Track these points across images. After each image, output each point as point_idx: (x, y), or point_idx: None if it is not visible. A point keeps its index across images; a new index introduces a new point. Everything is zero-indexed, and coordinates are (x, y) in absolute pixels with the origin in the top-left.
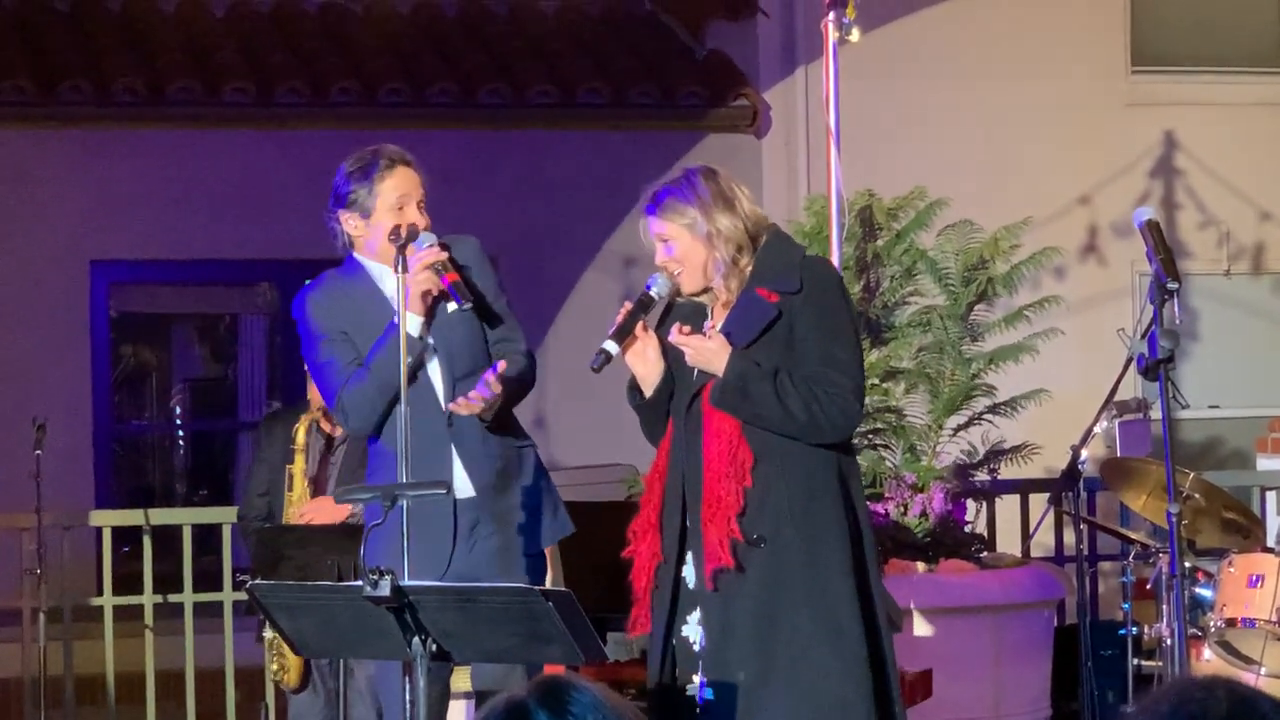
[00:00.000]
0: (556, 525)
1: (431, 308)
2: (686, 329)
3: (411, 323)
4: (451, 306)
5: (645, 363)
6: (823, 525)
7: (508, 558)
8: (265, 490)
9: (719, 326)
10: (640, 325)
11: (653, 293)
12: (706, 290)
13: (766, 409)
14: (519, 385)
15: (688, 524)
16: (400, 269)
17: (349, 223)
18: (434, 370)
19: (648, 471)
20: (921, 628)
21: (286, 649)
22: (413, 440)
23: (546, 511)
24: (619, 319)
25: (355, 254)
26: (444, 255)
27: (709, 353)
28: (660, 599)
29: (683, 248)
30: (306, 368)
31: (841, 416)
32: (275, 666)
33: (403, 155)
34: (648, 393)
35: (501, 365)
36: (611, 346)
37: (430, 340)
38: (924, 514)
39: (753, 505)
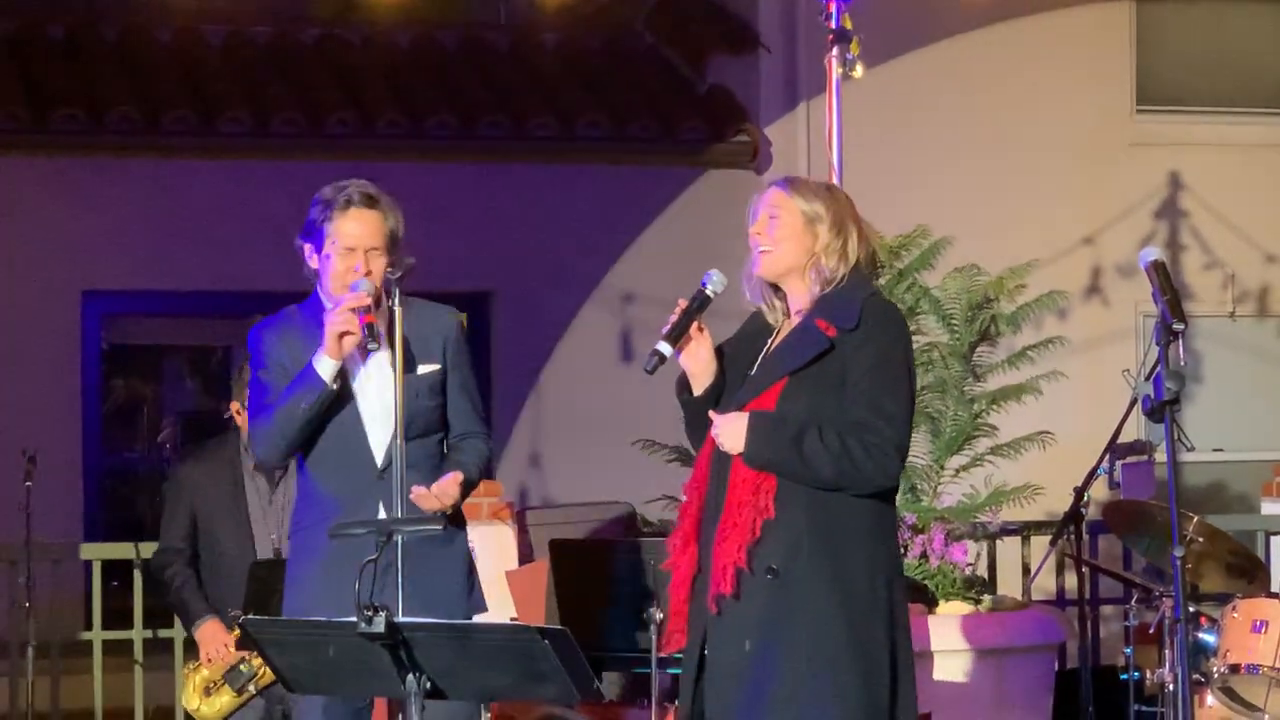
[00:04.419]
0: (470, 604)
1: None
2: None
3: (325, 366)
4: (423, 369)
5: (698, 362)
6: (840, 568)
7: (415, 605)
8: (185, 536)
9: (769, 350)
10: (695, 325)
11: (708, 290)
12: (778, 290)
13: (791, 473)
14: (471, 489)
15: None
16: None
17: (306, 254)
18: (370, 420)
19: (686, 480)
20: (921, 671)
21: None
22: (343, 485)
23: (463, 587)
24: (673, 318)
25: (320, 287)
26: (366, 300)
27: (727, 435)
28: (696, 611)
29: (788, 229)
30: None
31: (879, 472)
32: (195, 704)
33: (368, 196)
34: (697, 391)
35: (457, 475)
36: (666, 348)
37: (338, 386)
38: (924, 555)
39: (770, 536)
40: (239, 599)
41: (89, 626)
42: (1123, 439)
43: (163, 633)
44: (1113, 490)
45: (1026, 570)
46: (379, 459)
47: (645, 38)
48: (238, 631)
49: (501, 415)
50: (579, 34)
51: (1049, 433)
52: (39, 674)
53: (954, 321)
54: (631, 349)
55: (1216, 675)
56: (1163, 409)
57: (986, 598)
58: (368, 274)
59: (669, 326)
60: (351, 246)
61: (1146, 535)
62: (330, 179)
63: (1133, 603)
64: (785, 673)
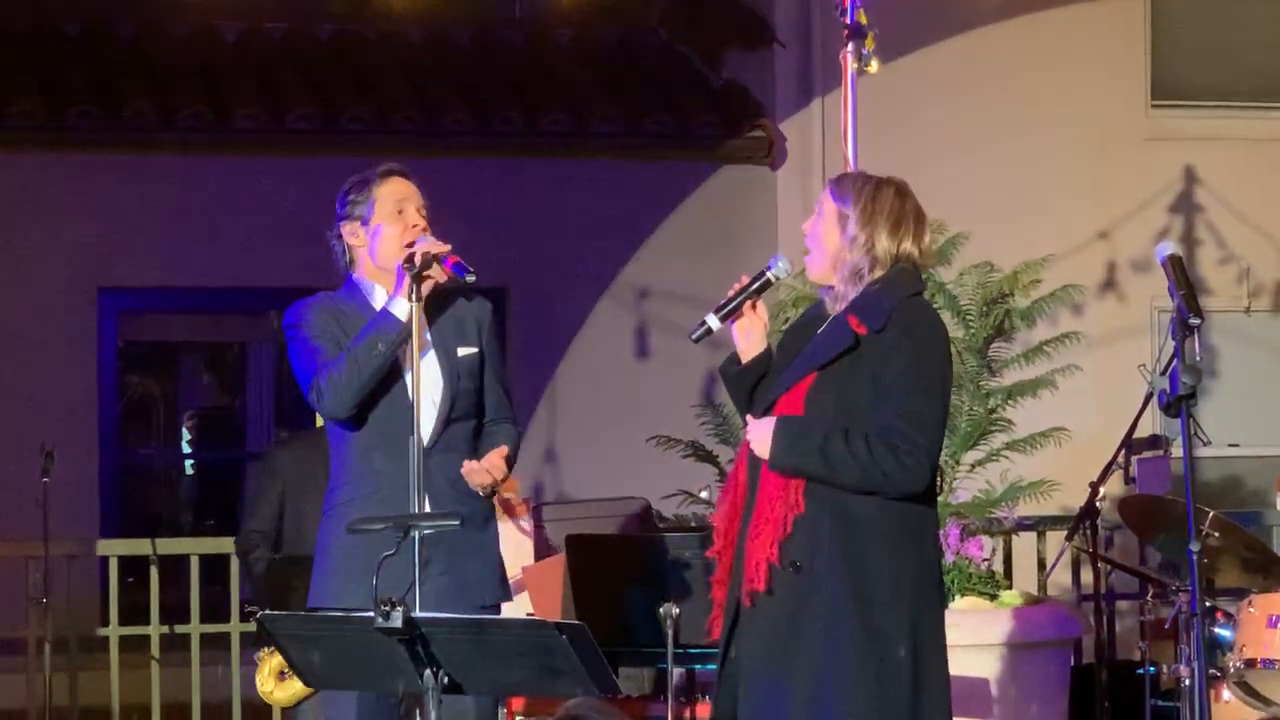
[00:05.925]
0: (501, 590)
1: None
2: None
3: (400, 307)
4: (463, 351)
5: (748, 340)
6: (860, 566)
7: (458, 601)
8: (272, 518)
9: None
10: (750, 305)
11: (770, 274)
12: (831, 288)
13: (817, 480)
14: (511, 467)
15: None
16: (413, 295)
17: (350, 234)
18: (424, 400)
19: (731, 466)
20: None
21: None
22: (393, 464)
23: (496, 573)
24: (730, 293)
25: (354, 274)
26: (446, 247)
27: (756, 440)
28: (731, 602)
29: (822, 229)
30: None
31: (906, 479)
32: (269, 688)
33: (400, 168)
34: (744, 361)
35: (503, 449)
36: (714, 320)
37: (423, 335)
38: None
39: (799, 531)
40: None
41: (106, 622)
42: (1138, 434)
43: (179, 628)
44: (1128, 485)
45: (1042, 565)
46: (426, 440)
47: (660, 33)
48: None
49: (517, 411)
50: (594, 30)
51: (1064, 429)
52: (56, 669)
53: (969, 317)
54: (647, 344)
55: (1232, 670)
56: (1179, 403)
57: (1003, 593)
58: (425, 229)
59: (724, 301)
60: (404, 198)
61: (1162, 530)
62: (345, 175)
63: (1148, 598)
64: (803, 670)
